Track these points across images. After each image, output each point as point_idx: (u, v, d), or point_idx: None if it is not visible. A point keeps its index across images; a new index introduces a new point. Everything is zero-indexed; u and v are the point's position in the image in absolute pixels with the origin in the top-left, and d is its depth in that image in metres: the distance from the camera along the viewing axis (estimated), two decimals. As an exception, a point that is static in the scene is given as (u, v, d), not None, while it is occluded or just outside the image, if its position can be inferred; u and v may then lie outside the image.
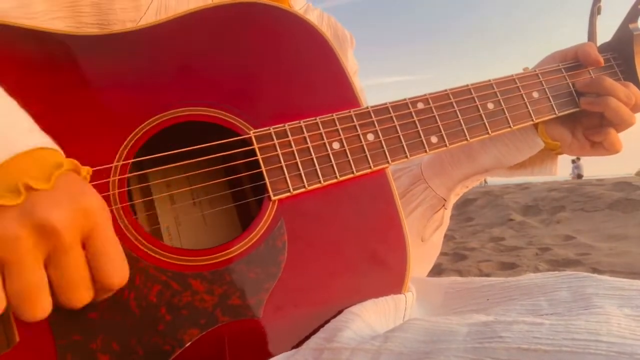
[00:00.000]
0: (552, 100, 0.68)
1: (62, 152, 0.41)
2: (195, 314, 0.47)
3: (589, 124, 0.70)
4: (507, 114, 0.65)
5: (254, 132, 0.54)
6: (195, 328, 0.46)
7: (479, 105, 0.64)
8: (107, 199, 0.47)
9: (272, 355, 0.48)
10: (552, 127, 0.71)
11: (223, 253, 0.49)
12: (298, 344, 0.49)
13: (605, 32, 0.75)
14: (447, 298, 0.61)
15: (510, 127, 0.65)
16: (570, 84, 0.70)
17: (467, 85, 0.64)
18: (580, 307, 0.45)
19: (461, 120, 0.62)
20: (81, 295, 0.40)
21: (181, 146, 0.51)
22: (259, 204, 0.54)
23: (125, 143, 0.50)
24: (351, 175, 0.56)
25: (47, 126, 0.42)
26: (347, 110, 0.58)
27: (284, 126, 0.55)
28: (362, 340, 0.44)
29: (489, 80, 0.66)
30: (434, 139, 0.60)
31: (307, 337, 0.49)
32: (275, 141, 0.54)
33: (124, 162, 0.49)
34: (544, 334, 0.35)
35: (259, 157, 0.53)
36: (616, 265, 3.09)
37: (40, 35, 0.50)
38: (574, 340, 0.33)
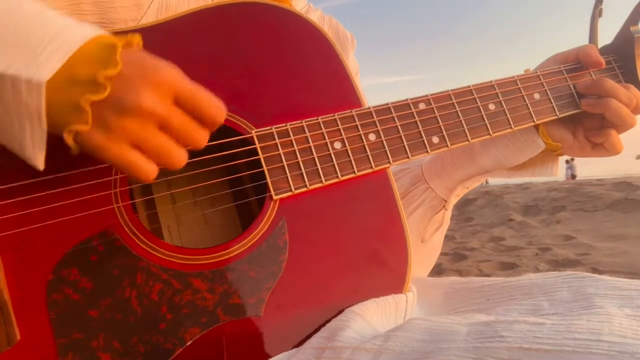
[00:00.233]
0: (553, 102, 0.68)
1: (102, 31, 0.42)
2: (196, 313, 0.47)
3: (590, 126, 0.70)
4: (508, 115, 0.65)
5: (255, 132, 0.54)
6: (196, 327, 0.47)
7: (480, 106, 0.64)
8: (109, 197, 0.47)
9: (273, 354, 0.48)
10: (553, 128, 0.71)
11: (224, 252, 0.49)
12: (299, 343, 0.49)
13: (607, 35, 0.75)
14: (447, 298, 0.61)
15: (511, 128, 0.65)
16: (571, 86, 0.70)
17: (469, 86, 0.64)
18: (581, 307, 0.45)
19: (462, 121, 0.62)
20: (200, 136, 0.44)
21: None
22: (260, 204, 0.54)
23: None
24: (353, 175, 0.56)
25: None
26: (349, 110, 0.58)
27: (286, 126, 0.55)
28: (363, 339, 0.44)
29: (491, 81, 0.66)
30: (435, 139, 0.60)
31: (308, 337, 0.49)
32: (277, 140, 0.54)
33: None
34: (545, 334, 0.35)
35: (261, 156, 0.53)
36: (616, 265, 3.09)
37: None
38: (576, 340, 0.33)
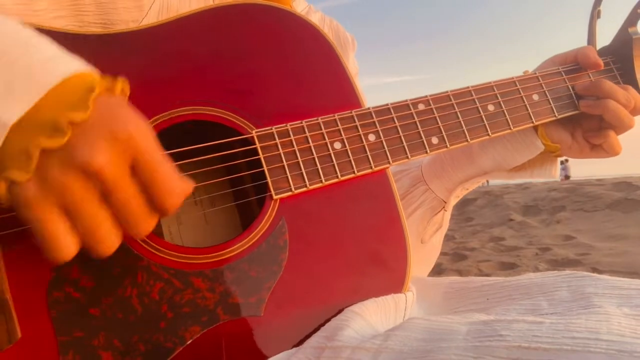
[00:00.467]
0: (552, 103, 0.69)
1: (90, 68, 0.38)
2: (196, 312, 0.47)
3: (588, 127, 0.70)
4: (507, 116, 0.65)
5: (256, 132, 0.54)
6: (196, 326, 0.47)
7: (479, 107, 0.64)
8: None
9: (273, 354, 0.48)
10: (552, 129, 0.71)
11: (225, 251, 0.50)
12: (299, 343, 0.49)
13: (605, 36, 0.76)
14: (446, 298, 0.61)
15: (510, 128, 0.65)
16: (570, 87, 0.71)
17: (468, 87, 0.65)
18: (580, 307, 0.45)
19: (462, 122, 0.63)
20: (144, 223, 0.39)
21: (183, 145, 0.52)
22: (260, 204, 0.54)
23: None
24: (352, 175, 0.56)
25: None
26: (349, 111, 0.58)
27: (286, 126, 0.55)
28: (363, 339, 0.44)
29: (490, 82, 0.66)
30: (434, 140, 0.61)
31: (308, 336, 0.49)
32: (277, 140, 0.54)
33: None
34: (544, 333, 0.35)
35: (261, 156, 0.53)
36: (616, 265, 3.09)
37: (42, 33, 0.50)
38: (574, 338, 0.34)
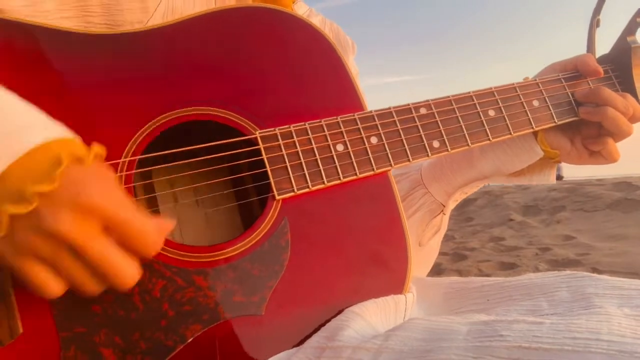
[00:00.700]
0: (551, 109, 0.69)
1: (62, 136, 0.40)
2: (198, 310, 0.47)
3: (587, 133, 0.71)
4: (507, 121, 0.66)
5: (259, 133, 0.54)
6: (197, 324, 0.47)
7: (480, 112, 0.65)
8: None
9: (273, 353, 0.48)
10: (552, 135, 0.72)
11: (227, 250, 0.50)
12: (299, 343, 0.49)
13: (604, 45, 0.77)
14: (446, 298, 0.61)
15: (510, 134, 0.66)
16: (569, 94, 0.71)
17: (469, 92, 0.65)
18: (581, 307, 0.45)
19: (463, 126, 0.63)
20: (126, 272, 0.41)
21: (187, 145, 0.52)
22: (261, 205, 0.54)
23: (132, 141, 0.50)
24: (354, 177, 0.57)
25: None
26: (352, 114, 0.59)
27: (289, 127, 0.55)
28: (363, 339, 0.44)
29: (491, 88, 0.67)
30: (436, 144, 0.61)
31: (309, 336, 0.49)
32: (281, 142, 0.55)
33: (131, 159, 0.50)
34: (544, 333, 0.35)
35: (264, 156, 0.53)
36: (616, 265, 3.09)
37: (50, 33, 0.51)
38: (575, 339, 0.34)
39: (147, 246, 0.42)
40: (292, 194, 0.54)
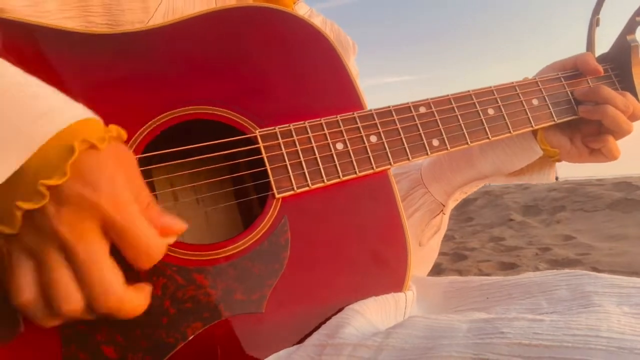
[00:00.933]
0: (551, 108, 0.70)
1: (79, 118, 0.38)
2: (198, 308, 0.47)
3: (587, 132, 0.71)
4: (507, 120, 0.66)
5: (259, 131, 0.54)
6: (198, 322, 0.47)
7: (479, 111, 0.65)
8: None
9: (273, 351, 0.48)
10: (551, 134, 0.72)
11: (227, 248, 0.50)
12: (300, 341, 0.49)
13: (604, 44, 0.77)
14: (446, 297, 0.61)
15: (510, 132, 0.66)
16: (569, 92, 0.72)
17: (469, 91, 0.66)
18: (580, 305, 0.45)
19: (462, 125, 0.63)
20: (107, 275, 0.38)
21: (187, 144, 0.52)
22: (261, 204, 0.54)
23: (132, 139, 0.50)
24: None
25: None
26: (351, 113, 0.59)
27: (289, 126, 0.56)
28: (364, 336, 0.44)
29: (490, 87, 0.67)
30: (435, 142, 0.61)
31: (309, 334, 0.49)
32: (280, 140, 0.55)
33: None
34: (544, 330, 0.36)
35: (264, 155, 0.54)
36: (616, 265, 3.08)
37: (51, 32, 0.51)
38: (575, 335, 0.34)
39: (140, 259, 0.40)
40: (291, 192, 0.54)
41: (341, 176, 0.56)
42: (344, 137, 0.57)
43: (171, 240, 0.43)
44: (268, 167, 0.53)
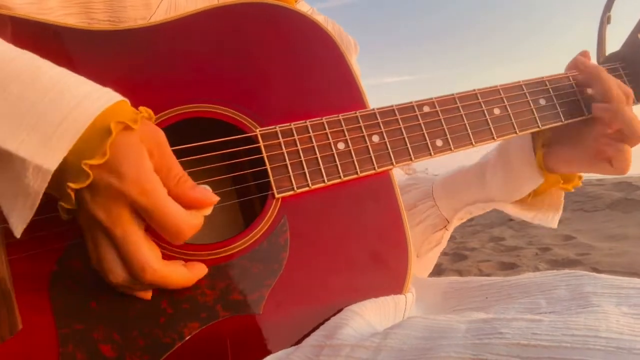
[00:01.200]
0: (559, 108, 0.68)
1: (112, 101, 0.41)
2: (196, 308, 0.47)
3: (597, 134, 0.68)
4: (513, 120, 0.65)
5: (259, 130, 0.54)
6: (195, 322, 0.47)
7: (485, 110, 0.64)
8: None
9: (271, 352, 0.48)
10: (554, 152, 0.71)
11: (226, 248, 0.50)
12: (298, 341, 0.49)
13: (615, 42, 0.76)
14: (446, 298, 0.61)
15: (516, 132, 0.65)
16: (577, 92, 0.70)
17: (474, 90, 0.65)
18: (579, 306, 0.45)
19: (467, 125, 0.62)
20: (145, 252, 0.42)
21: (188, 142, 0.52)
22: (262, 202, 0.54)
23: None
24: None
25: None
26: (353, 112, 0.58)
27: (290, 125, 0.55)
28: (362, 337, 0.44)
29: (496, 86, 0.66)
30: (439, 142, 0.61)
31: (307, 335, 0.49)
32: (281, 140, 0.54)
33: None
34: (543, 331, 0.35)
35: (264, 154, 0.53)
36: (616, 265, 3.08)
37: (53, 29, 0.51)
38: (573, 336, 0.34)
39: (171, 236, 0.43)
40: (291, 192, 0.53)
41: (342, 176, 0.55)
42: (345, 136, 0.57)
43: (207, 211, 0.46)
44: (268, 167, 0.53)
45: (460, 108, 0.63)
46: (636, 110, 0.68)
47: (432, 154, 0.60)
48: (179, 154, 0.52)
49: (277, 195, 0.53)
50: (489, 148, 0.78)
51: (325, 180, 0.55)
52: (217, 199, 0.46)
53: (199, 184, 0.46)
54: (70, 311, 0.44)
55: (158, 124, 0.51)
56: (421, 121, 0.60)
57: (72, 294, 0.45)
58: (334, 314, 0.50)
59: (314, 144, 0.55)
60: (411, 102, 0.61)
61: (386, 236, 0.56)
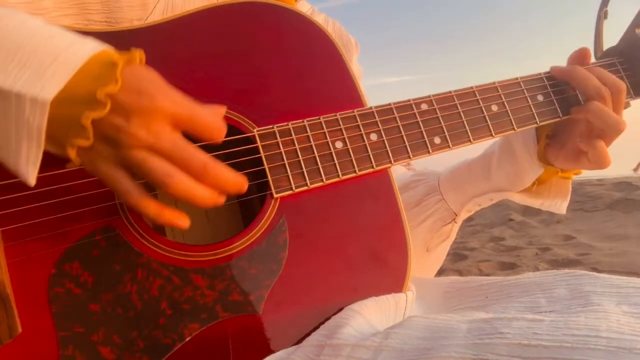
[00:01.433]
0: (556, 103, 0.68)
1: (106, 46, 0.42)
2: (196, 309, 0.47)
3: (577, 133, 0.68)
4: (511, 116, 0.65)
5: (257, 130, 0.54)
6: (195, 323, 0.47)
7: (483, 107, 0.64)
8: (111, 193, 0.48)
9: (272, 352, 0.48)
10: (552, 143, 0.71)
11: (225, 249, 0.50)
12: (298, 341, 0.49)
13: (612, 37, 0.76)
14: (446, 297, 0.61)
15: (514, 129, 0.64)
16: (574, 88, 0.70)
17: (472, 87, 0.64)
18: (579, 305, 0.45)
19: (465, 122, 0.62)
20: (196, 157, 0.42)
21: None
22: (261, 202, 0.54)
23: None
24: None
25: None
26: (351, 110, 0.58)
27: (288, 125, 0.55)
28: (363, 337, 0.44)
29: (494, 83, 0.66)
30: (437, 140, 0.61)
31: (308, 334, 0.49)
32: (279, 139, 0.54)
33: None
34: (544, 330, 0.35)
35: (262, 154, 0.53)
36: (616, 265, 3.08)
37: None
38: (574, 336, 0.34)
39: (213, 134, 0.44)
40: (290, 192, 0.53)
41: (340, 175, 0.55)
42: (343, 135, 0.57)
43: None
44: (266, 167, 0.53)
45: (458, 105, 0.63)
46: (636, 109, 0.68)
47: (430, 151, 0.60)
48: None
49: (275, 195, 0.53)
50: (488, 145, 0.78)
51: (324, 180, 0.55)
52: (224, 109, 0.48)
53: None
54: (70, 314, 0.44)
55: None
56: (419, 119, 0.60)
57: (71, 297, 0.44)
58: (334, 314, 0.51)
59: (312, 143, 0.55)
60: (409, 100, 0.61)
61: (385, 235, 0.56)
